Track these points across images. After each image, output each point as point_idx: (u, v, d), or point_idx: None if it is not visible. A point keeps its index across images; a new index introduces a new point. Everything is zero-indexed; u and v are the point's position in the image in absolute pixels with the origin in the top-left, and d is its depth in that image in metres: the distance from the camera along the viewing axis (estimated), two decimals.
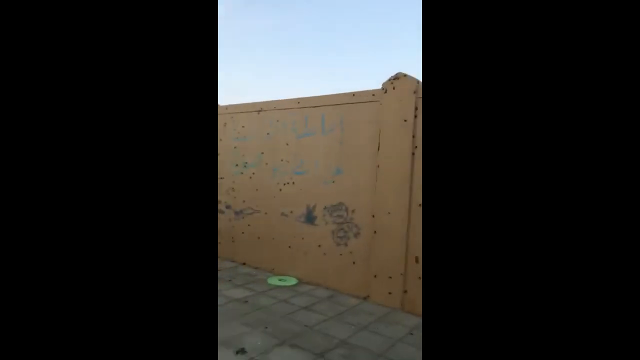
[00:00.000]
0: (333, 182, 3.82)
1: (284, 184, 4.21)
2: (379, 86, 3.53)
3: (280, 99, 4.29)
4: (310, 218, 4.00)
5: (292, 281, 3.97)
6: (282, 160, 4.24)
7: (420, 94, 3.29)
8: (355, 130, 3.69)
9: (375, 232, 3.50)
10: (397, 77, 3.42)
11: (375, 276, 3.49)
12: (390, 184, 3.41)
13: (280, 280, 3.99)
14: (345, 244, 3.73)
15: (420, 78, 3.31)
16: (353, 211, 3.69)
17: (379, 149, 3.50)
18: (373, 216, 3.51)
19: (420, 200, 3.25)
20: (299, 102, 4.12)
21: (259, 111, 4.46)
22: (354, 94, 3.72)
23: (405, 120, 3.34)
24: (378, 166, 3.50)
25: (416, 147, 3.30)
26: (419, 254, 3.25)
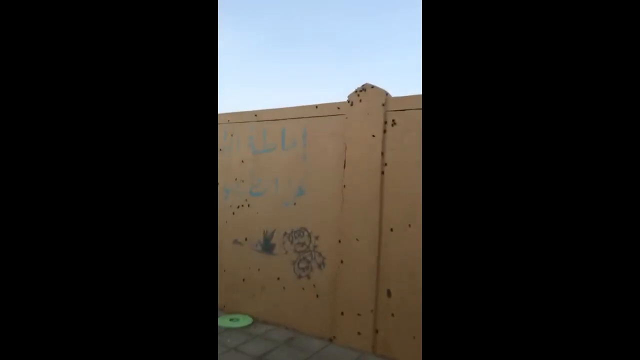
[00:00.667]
0: (294, 204, 3.37)
1: (238, 207, 3.69)
2: (345, 99, 3.20)
3: (235, 111, 3.84)
4: (267, 246, 3.49)
5: (246, 321, 3.39)
6: (235, 179, 3.74)
7: (390, 107, 2.99)
8: (320, 146, 3.30)
9: (342, 261, 3.06)
10: (364, 89, 3.11)
11: (342, 313, 3.02)
12: (358, 206, 3.02)
13: (231, 320, 3.39)
14: (308, 276, 3.25)
15: (389, 90, 3.02)
16: (317, 237, 3.24)
17: (345, 167, 3.13)
18: (339, 242, 3.08)
19: (392, 225, 2.88)
20: (256, 115, 3.69)
21: None
22: (317, 107, 3.36)
23: (374, 136, 3.01)
24: (344, 186, 3.11)
25: (386, 164, 2.96)
26: (392, 285, 2.84)
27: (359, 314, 2.94)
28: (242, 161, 3.72)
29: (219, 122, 3.92)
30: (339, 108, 3.23)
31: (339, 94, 3.21)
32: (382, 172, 2.96)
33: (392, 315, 2.82)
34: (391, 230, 2.88)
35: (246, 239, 3.62)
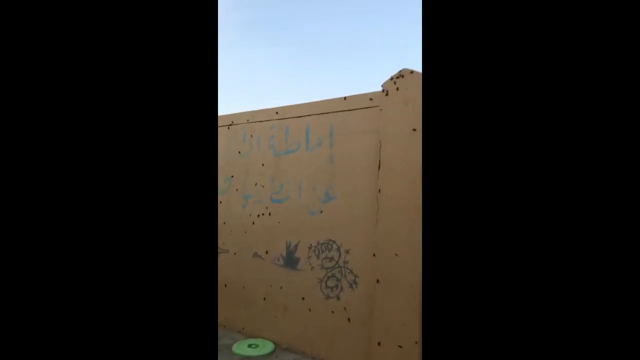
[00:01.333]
0: (321, 212, 2.92)
1: (258, 216, 3.29)
2: (379, 88, 2.73)
3: (255, 109, 3.48)
4: (291, 261, 3.05)
5: (267, 347, 2.95)
6: (256, 184, 3.35)
7: None
8: (349, 144, 2.85)
9: (378, 280, 2.56)
10: (401, 75, 2.62)
11: (379, 344, 2.50)
12: (398, 215, 2.51)
13: (250, 346, 2.96)
14: (338, 297, 2.77)
15: None
16: (347, 252, 2.76)
17: (379, 168, 2.64)
18: (374, 256, 2.58)
19: None
20: (277, 113, 3.30)
21: (229, 125, 3.62)
22: (345, 99, 2.91)
23: (414, 130, 2.51)
24: (380, 190, 2.62)
25: None
26: None
27: (400, 346, 2.42)
28: (263, 164, 3.33)
29: (235, 122, 3.57)
30: (371, 99, 2.76)
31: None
32: None
33: None
34: None
35: (267, 252, 3.20)
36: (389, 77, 2.69)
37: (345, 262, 2.77)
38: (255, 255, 3.28)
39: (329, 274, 2.83)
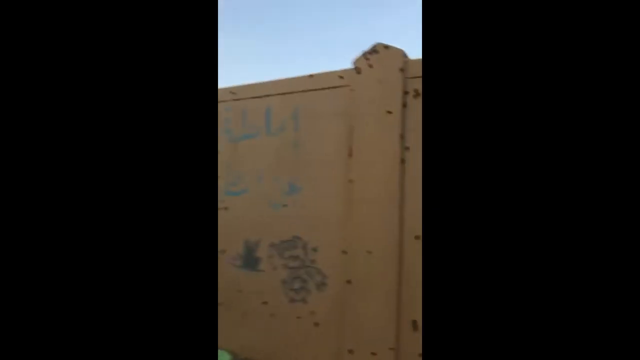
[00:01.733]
0: (285, 205, 2.59)
1: None
2: (350, 65, 2.42)
3: None
4: (250, 261, 2.70)
5: (224, 359, 2.59)
6: None
7: (410, 73, 2.22)
8: (316, 128, 2.52)
9: (349, 281, 2.29)
10: (375, 50, 2.33)
11: (350, 351, 2.25)
12: (371, 208, 2.25)
13: None
14: (304, 300, 2.47)
15: (407, 51, 2.26)
16: (315, 249, 2.46)
17: (351, 155, 2.35)
18: (345, 253, 2.31)
19: (418, 231, 2.11)
20: (233, 93, 2.88)
21: None
22: (312, 77, 2.57)
23: (390, 112, 2.24)
24: (351, 180, 2.33)
25: (407, 148, 2.19)
26: (419, 315, 2.08)
27: (373, 353, 2.18)
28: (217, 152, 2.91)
29: None
30: (341, 77, 2.45)
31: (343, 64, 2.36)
32: (402, 161, 2.20)
33: (419, 355, 2.06)
34: (416, 238, 2.12)
35: (223, 252, 2.82)
36: (360, 53, 2.39)
37: (313, 262, 2.47)
38: None
39: (294, 275, 2.52)
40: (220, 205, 2.86)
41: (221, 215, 2.84)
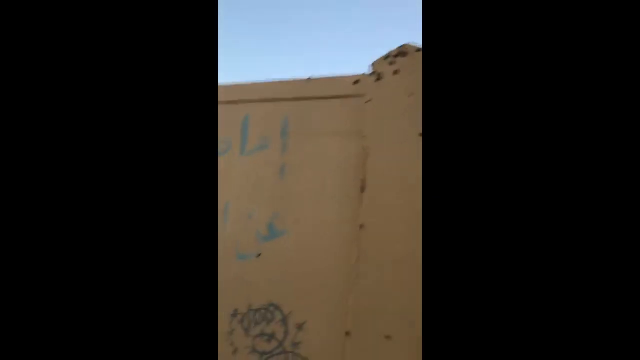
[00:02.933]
0: (259, 255, 1.80)
1: None
2: (367, 70, 1.81)
3: None
4: None
5: None
6: None
7: None
8: (313, 150, 1.84)
9: None
10: (403, 52, 1.75)
11: None
12: (392, 270, 1.55)
13: None
14: None
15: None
16: (300, 326, 1.67)
17: (363, 190, 1.67)
18: (348, 335, 1.55)
19: None
20: None
21: None
22: (309, 80, 1.92)
23: (421, 135, 1.62)
24: (362, 226, 1.63)
25: None
26: None
27: None
28: None
29: None
30: (356, 83, 1.81)
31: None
32: None
33: None
34: None
35: None
36: (382, 55, 1.79)
37: (296, 344, 1.66)
38: None
39: None
40: None
41: None
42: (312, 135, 1.86)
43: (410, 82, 1.71)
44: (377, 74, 1.78)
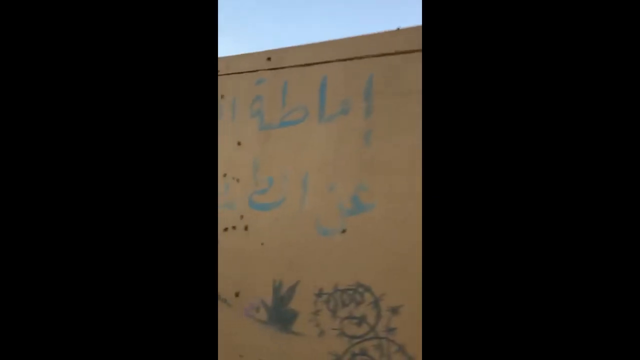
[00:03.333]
0: (344, 231, 1.64)
1: (226, 229, 1.94)
2: None
3: (229, 55, 2.15)
4: (282, 315, 1.74)
5: None
6: (225, 176, 1.99)
7: None
8: (404, 113, 1.60)
9: None
10: None
11: None
12: None
13: None
14: None
15: None
16: (394, 310, 1.49)
17: None
18: None
19: None
20: (269, 59, 1.98)
21: None
22: (397, 31, 1.66)
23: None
24: None
25: None
26: None
27: None
28: (239, 143, 1.99)
29: None
30: None
31: None
32: None
33: None
34: None
35: (237, 295, 1.85)
36: None
37: (390, 330, 1.49)
38: (220, 300, 1.91)
39: (356, 350, 1.54)
40: (238, 222, 1.91)
41: (239, 238, 1.89)
42: (401, 95, 1.62)
43: None
44: None
